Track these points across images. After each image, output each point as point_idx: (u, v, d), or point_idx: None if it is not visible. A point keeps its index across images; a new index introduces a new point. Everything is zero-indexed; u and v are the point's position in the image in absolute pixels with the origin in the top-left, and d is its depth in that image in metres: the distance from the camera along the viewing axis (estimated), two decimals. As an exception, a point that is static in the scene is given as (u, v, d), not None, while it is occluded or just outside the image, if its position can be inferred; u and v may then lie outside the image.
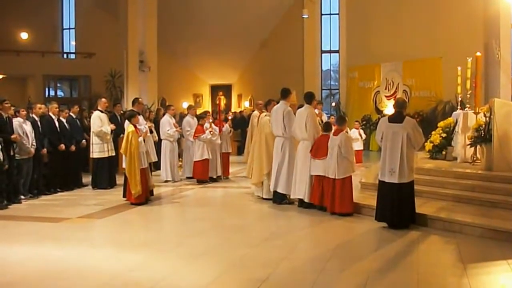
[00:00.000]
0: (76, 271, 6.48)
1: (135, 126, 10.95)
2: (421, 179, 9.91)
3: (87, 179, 13.45)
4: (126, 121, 11.41)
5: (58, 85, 27.61)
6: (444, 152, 12.08)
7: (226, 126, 15.00)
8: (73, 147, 12.65)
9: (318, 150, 9.84)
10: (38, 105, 12.31)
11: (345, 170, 9.44)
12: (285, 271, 6.40)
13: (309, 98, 10.51)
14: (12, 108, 11.25)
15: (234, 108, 27.41)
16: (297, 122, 10.32)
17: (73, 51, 28.28)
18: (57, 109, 12.61)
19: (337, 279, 6.20)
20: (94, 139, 12.96)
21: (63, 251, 7.43)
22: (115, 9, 22.57)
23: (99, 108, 13.34)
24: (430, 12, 21.22)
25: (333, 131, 9.95)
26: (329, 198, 9.55)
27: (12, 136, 10.74)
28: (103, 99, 13.68)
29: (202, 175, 13.65)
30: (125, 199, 10.94)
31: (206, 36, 24.85)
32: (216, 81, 28.29)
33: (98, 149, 12.91)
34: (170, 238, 8.35)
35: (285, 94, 10.79)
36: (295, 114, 10.50)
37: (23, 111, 11.50)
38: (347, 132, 10.27)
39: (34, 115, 11.90)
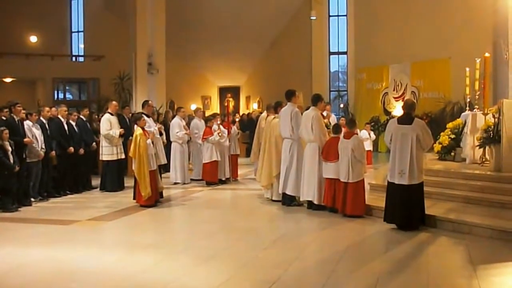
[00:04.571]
0: (86, 273, 6.51)
1: (143, 129, 10.98)
2: (430, 180, 9.87)
3: (96, 181, 13.52)
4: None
5: (67, 88, 27.72)
6: (453, 153, 12.06)
7: (234, 128, 15.02)
8: (81, 150, 12.70)
9: (329, 152, 9.82)
10: (46, 108, 12.38)
11: (358, 174, 9.46)
12: (295, 273, 6.42)
13: (315, 100, 10.50)
14: (23, 111, 11.32)
15: (243, 110, 27.43)
16: (304, 124, 10.31)
17: (82, 54, 28.40)
18: (66, 112, 12.71)
19: (347, 281, 6.20)
20: (103, 142, 13.03)
21: (74, 253, 7.47)
22: (123, 11, 22.64)
23: (109, 110, 13.40)
24: (438, 13, 21.11)
25: (343, 133, 9.94)
26: (340, 200, 9.55)
27: (25, 140, 10.84)
28: (114, 102, 13.74)
29: (212, 177, 13.67)
30: (135, 201, 10.99)
31: (214, 38, 24.89)
32: (224, 83, 28.33)
33: (107, 152, 12.95)
34: (180, 240, 8.39)
35: (289, 95, 10.79)
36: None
37: (35, 115, 11.58)
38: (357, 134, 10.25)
39: (42, 118, 11.95)
